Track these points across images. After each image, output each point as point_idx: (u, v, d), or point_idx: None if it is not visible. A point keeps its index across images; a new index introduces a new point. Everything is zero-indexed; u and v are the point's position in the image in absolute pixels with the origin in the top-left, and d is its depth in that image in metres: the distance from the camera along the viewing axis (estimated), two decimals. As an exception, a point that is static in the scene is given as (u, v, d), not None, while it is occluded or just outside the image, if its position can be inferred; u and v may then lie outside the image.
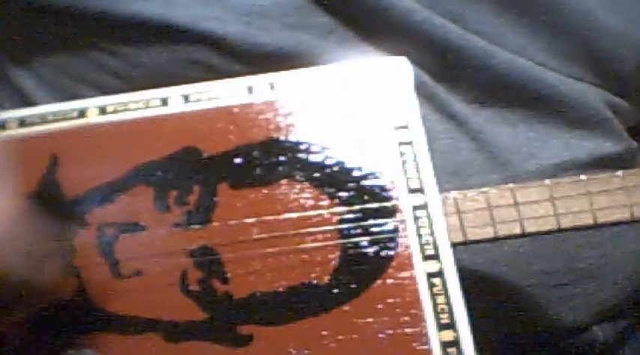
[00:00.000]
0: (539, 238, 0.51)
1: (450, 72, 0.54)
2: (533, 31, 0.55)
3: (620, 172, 0.52)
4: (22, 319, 0.49)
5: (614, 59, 0.55)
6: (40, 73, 0.56)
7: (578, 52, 0.55)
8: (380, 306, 0.48)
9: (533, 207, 0.51)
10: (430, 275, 0.49)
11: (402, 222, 0.50)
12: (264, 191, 0.51)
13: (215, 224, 0.50)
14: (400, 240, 0.49)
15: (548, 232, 0.51)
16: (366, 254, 0.49)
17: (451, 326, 0.48)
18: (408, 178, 0.50)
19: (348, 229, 0.50)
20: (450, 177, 0.52)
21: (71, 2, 0.53)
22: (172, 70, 0.54)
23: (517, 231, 0.51)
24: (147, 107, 0.52)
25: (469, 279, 0.49)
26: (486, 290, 0.51)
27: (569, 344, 0.54)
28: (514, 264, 0.51)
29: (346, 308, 0.49)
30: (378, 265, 0.49)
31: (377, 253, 0.49)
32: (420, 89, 0.53)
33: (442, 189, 0.51)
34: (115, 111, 0.53)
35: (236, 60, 0.53)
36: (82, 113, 0.53)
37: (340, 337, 0.48)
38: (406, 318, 0.48)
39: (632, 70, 0.55)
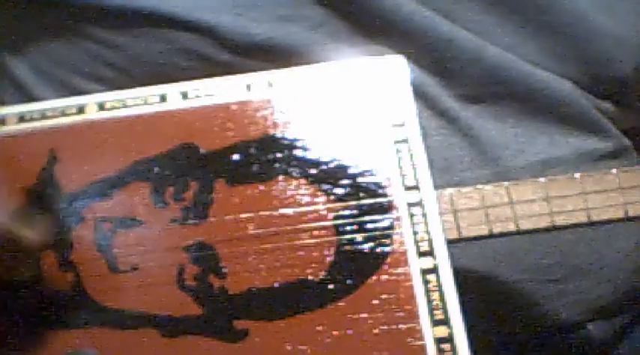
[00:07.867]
0: (531, 235, 0.51)
1: (441, 66, 0.54)
2: (525, 32, 0.55)
3: (614, 170, 0.52)
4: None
5: (608, 61, 0.55)
6: (37, 65, 0.57)
7: (570, 53, 0.55)
8: (375, 302, 0.49)
9: (527, 205, 0.51)
10: (425, 272, 0.49)
11: (398, 218, 0.50)
12: (261, 187, 0.51)
13: (212, 220, 0.51)
14: (395, 237, 0.50)
15: (543, 230, 0.51)
16: (361, 250, 0.50)
17: (445, 322, 0.48)
18: (403, 175, 0.51)
19: (344, 225, 0.50)
20: (441, 172, 0.52)
21: None
22: (166, 59, 0.54)
23: (512, 228, 0.51)
24: (145, 103, 0.53)
25: (462, 276, 0.49)
26: (479, 287, 0.51)
27: (564, 342, 0.55)
28: (506, 261, 0.51)
29: (341, 303, 0.49)
30: (374, 261, 0.49)
31: (372, 249, 0.50)
32: (411, 85, 0.53)
33: (433, 185, 0.51)
34: (113, 108, 0.53)
35: (228, 50, 0.53)
36: (80, 109, 0.53)
37: (335, 332, 0.48)
38: (401, 314, 0.48)
39: (626, 72, 0.55)
